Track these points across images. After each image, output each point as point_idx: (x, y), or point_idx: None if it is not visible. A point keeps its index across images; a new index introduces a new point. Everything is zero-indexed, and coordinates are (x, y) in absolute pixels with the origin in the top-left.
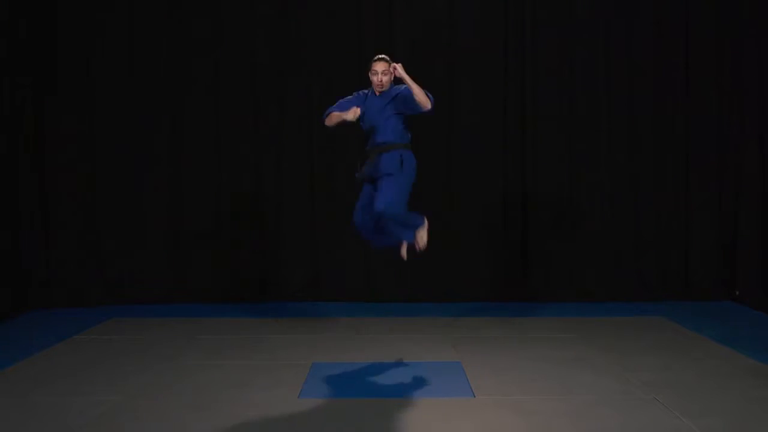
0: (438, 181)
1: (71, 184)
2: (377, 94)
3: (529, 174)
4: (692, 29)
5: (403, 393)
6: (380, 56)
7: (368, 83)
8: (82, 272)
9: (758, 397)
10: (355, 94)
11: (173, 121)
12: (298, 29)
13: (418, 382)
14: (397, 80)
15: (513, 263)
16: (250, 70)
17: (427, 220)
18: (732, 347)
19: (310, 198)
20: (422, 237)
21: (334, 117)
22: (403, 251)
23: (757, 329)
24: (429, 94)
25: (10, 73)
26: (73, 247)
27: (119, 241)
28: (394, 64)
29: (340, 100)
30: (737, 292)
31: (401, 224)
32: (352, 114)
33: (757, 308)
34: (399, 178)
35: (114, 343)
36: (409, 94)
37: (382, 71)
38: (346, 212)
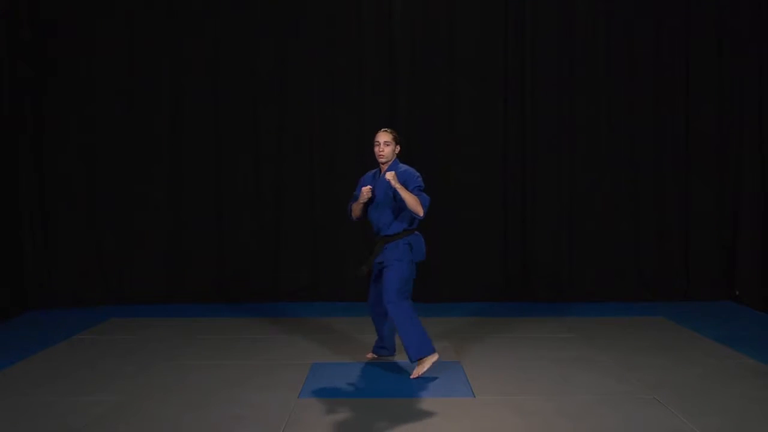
0: (438, 182)
1: (71, 184)
2: (381, 167)
3: (529, 174)
4: (693, 29)
5: (403, 393)
6: (384, 129)
7: (367, 83)
8: (81, 272)
9: (758, 397)
10: (361, 178)
11: (173, 122)
12: (299, 30)
13: (418, 382)
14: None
15: (513, 263)
16: (250, 70)
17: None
18: (732, 347)
19: (310, 198)
20: (423, 367)
21: (355, 208)
22: (415, 372)
23: (757, 329)
24: (424, 202)
25: (9, 74)
26: (73, 247)
27: (119, 241)
28: (387, 174)
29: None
30: (737, 292)
31: (408, 335)
32: (366, 194)
33: (757, 308)
34: (403, 265)
35: (114, 343)
36: (406, 185)
37: (384, 141)
38: (345, 213)
